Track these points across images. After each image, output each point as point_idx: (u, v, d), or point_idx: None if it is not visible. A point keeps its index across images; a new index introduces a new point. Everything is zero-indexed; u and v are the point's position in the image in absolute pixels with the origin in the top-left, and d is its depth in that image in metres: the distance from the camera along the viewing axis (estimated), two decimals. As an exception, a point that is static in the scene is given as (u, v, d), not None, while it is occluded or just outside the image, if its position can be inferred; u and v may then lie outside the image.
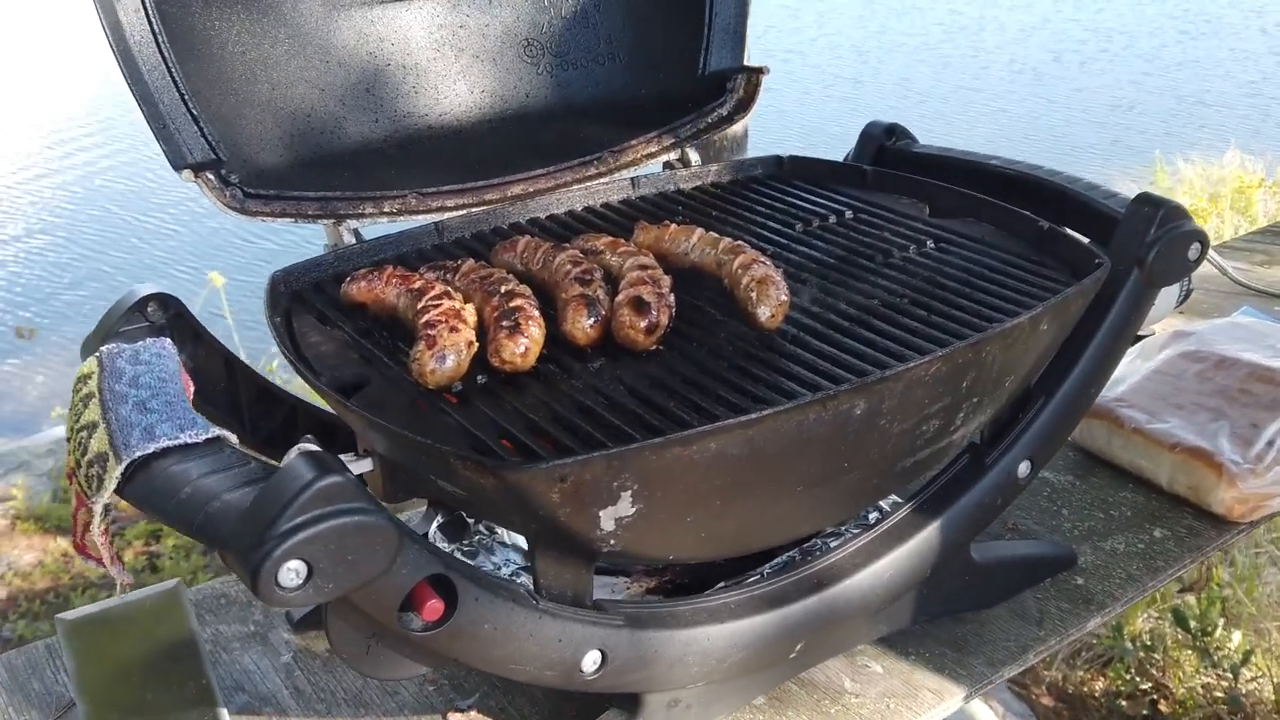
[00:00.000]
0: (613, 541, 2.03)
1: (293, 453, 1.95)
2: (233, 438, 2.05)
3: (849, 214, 3.06)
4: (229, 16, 2.98)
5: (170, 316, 2.48)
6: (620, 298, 2.38)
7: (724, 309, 2.51)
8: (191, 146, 2.79)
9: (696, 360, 2.34)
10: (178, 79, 2.76)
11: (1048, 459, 2.61)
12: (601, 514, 1.91)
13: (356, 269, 2.62)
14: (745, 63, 3.52)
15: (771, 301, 2.38)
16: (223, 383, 2.61)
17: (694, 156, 3.39)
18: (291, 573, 1.55)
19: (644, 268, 2.48)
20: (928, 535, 2.50)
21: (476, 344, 2.30)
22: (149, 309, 2.45)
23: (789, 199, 3.18)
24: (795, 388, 2.19)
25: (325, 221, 2.90)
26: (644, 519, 1.94)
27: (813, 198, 3.18)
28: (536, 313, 2.34)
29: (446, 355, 2.20)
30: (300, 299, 2.67)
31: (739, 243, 2.60)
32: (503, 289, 2.40)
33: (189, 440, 2.00)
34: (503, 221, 3.10)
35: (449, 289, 2.43)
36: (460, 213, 3.08)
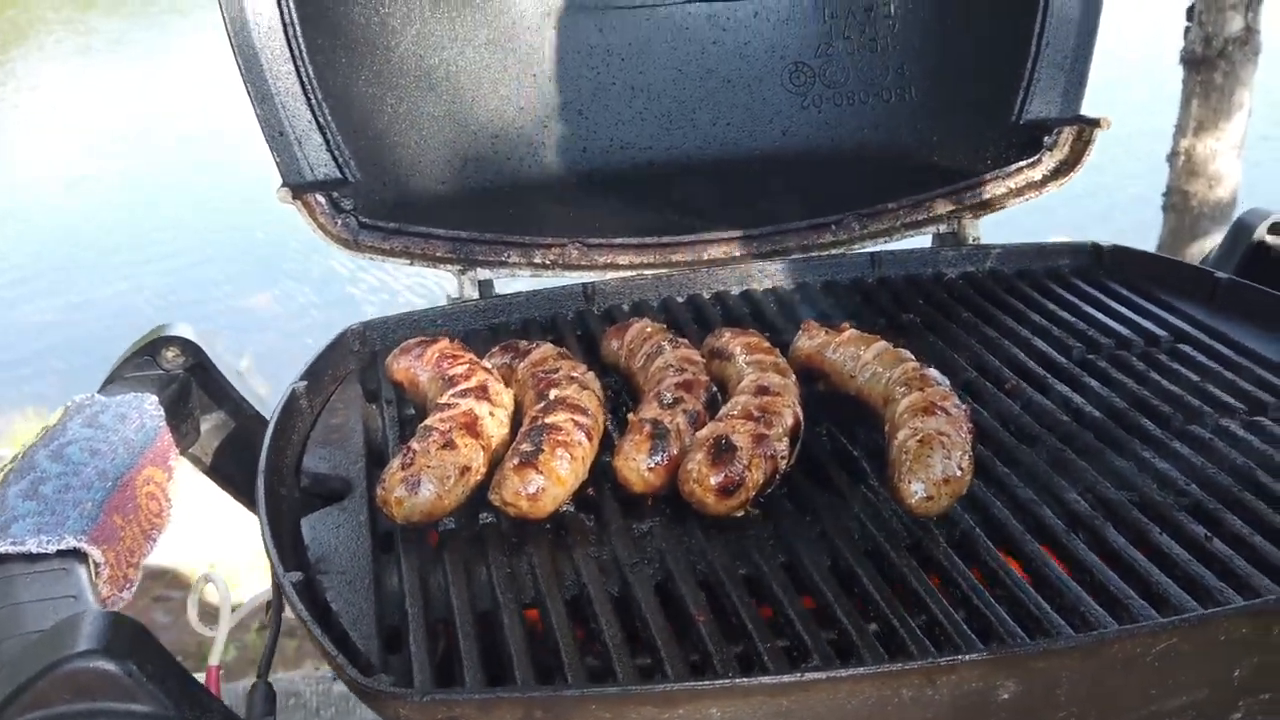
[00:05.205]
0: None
1: (90, 605, 1.43)
2: (97, 554, 1.53)
3: (1166, 341, 2.06)
4: (407, 10, 2.49)
5: (190, 367, 2.00)
6: (702, 434, 1.60)
7: (881, 468, 1.66)
8: (314, 161, 2.33)
9: (790, 547, 1.52)
10: (307, 79, 2.29)
11: None
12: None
13: (432, 335, 2.01)
14: (1079, 112, 2.56)
15: (930, 475, 1.51)
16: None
17: (974, 230, 2.49)
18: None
19: (762, 391, 1.68)
20: None
21: (484, 470, 1.62)
22: (166, 354, 1.99)
23: (1085, 308, 2.21)
24: (909, 632, 1.34)
25: (450, 267, 2.32)
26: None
27: (1124, 310, 2.19)
28: (581, 438, 1.61)
29: (421, 483, 1.55)
30: (375, 363, 2.12)
31: (926, 370, 1.72)
32: (553, 393, 1.70)
33: (34, 550, 1.51)
34: (680, 291, 2.37)
35: (491, 380, 1.77)
36: (629, 273, 2.40)
